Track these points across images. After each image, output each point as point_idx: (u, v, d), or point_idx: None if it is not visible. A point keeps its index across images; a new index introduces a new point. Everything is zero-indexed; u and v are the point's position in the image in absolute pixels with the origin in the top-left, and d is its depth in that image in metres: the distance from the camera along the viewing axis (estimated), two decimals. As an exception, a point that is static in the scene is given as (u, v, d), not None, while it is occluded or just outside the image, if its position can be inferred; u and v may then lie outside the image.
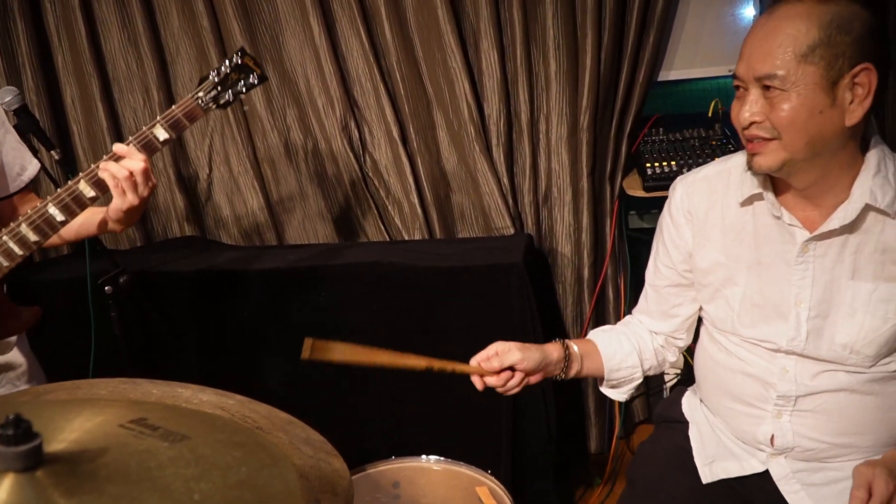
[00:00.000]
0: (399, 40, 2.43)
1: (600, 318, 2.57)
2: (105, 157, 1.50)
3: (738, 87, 1.27)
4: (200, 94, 1.57)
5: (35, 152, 1.86)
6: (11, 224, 1.44)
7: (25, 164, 1.71)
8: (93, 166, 1.49)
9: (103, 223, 1.55)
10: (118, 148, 1.46)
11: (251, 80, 1.62)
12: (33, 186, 1.78)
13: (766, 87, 1.19)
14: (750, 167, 1.28)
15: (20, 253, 1.44)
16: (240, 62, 1.60)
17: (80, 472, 0.69)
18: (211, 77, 1.59)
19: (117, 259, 2.01)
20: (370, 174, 2.61)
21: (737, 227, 1.37)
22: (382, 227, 2.61)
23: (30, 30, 2.56)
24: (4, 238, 1.41)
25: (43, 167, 1.83)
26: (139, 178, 1.43)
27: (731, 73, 2.38)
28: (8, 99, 1.86)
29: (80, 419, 0.79)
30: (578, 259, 2.53)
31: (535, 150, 2.48)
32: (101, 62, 2.61)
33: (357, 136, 2.57)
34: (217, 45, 2.53)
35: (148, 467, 0.71)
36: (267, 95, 2.58)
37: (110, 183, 1.43)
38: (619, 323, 1.68)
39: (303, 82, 2.56)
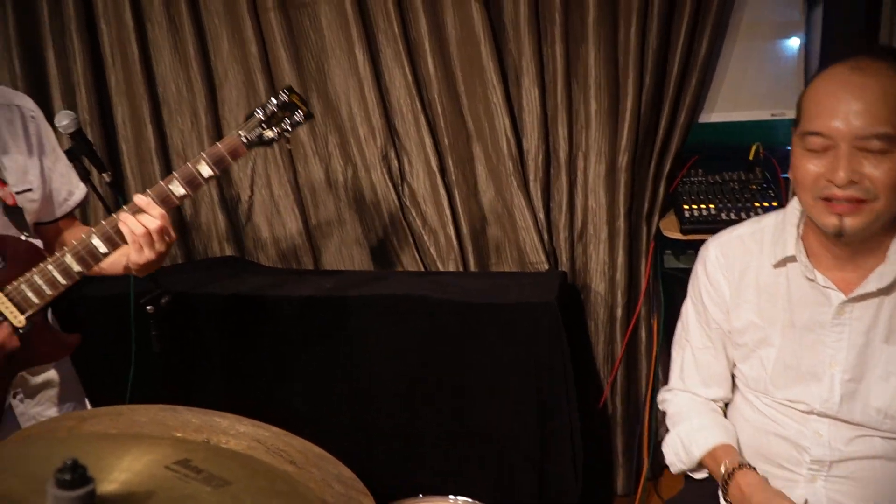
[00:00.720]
0: (441, 74, 2.47)
1: (632, 358, 2.56)
2: (125, 207, 1.48)
3: (809, 141, 1.21)
4: (244, 132, 1.57)
5: (86, 174, 1.92)
6: (56, 253, 1.45)
7: (73, 189, 1.72)
8: (113, 215, 1.48)
9: (127, 267, 1.54)
10: (138, 200, 1.45)
11: (297, 118, 1.62)
12: (77, 211, 1.81)
13: (862, 147, 1.15)
14: (838, 231, 1.21)
15: (63, 282, 1.44)
16: (286, 100, 1.60)
17: (129, 517, 0.71)
18: (256, 115, 1.59)
19: (159, 279, 2.06)
20: (408, 203, 2.64)
21: (771, 289, 1.36)
22: (417, 257, 2.63)
23: (86, 50, 2.65)
24: (49, 266, 1.43)
25: (94, 189, 1.89)
26: (155, 236, 1.42)
27: (774, 118, 2.40)
28: (65, 122, 1.94)
29: (129, 458, 0.82)
30: (612, 297, 2.52)
31: (572, 186, 2.49)
32: (153, 84, 2.69)
33: (396, 165, 2.61)
34: (264, 71, 2.59)
35: (192, 514, 0.74)
36: (310, 123, 2.62)
37: (128, 238, 1.43)
38: (687, 408, 1.57)
39: (345, 111, 2.61)
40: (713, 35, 2.27)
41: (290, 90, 1.63)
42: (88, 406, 1.75)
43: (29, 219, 1.51)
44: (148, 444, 0.88)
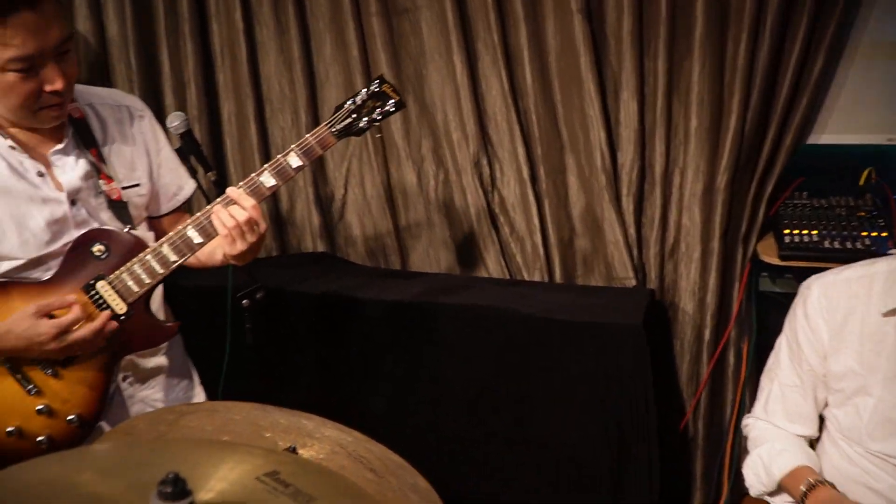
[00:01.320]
0: (538, 83, 2.45)
1: (717, 382, 2.49)
2: (219, 200, 1.55)
3: None
4: (333, 122, 1.61)
5: (193, 173, 2.02)
6: (156, 244, 1.53)
7: (182, 185, 1.82)
8: (207, 207, 1.55)
9: (224, 258, 1.61)
10: (230, 192, 1.51)
11: (388, 107, 1.62)
12: (187, 206, 1.91)
13: None
14: None
15: (160, 271, 1.51)
16: (377, 89, 1.62)
17: (222, 529, 0.75)
18: (346, 105, 1.62)
19: (255, 273, 2.15)
20: (497, 210, 2.64)
21: (876, 337, 1.30)
22: (504, 264, 2.64)
23: (197, 50, 2.78)
24: (148, 257, 1.50)
25: (199, 186, 1.99)
26: (245, 227, 1.47)
27: (890, 143, 2.27)
28: (176, 123, 2.03)
29: (224, 467, 0.86)
30: (701, 318, 2.46)
31: (666, 203, 2.44)
32: (258, 83, 2.79)
33: (488, 172, 2.61)
34: (364, 73, 2.65)
35: (280, 530, 0.77)
36: (405, 126, 2.67)
37: (219, 229, 1.49)
38: (771, 433, 1.55)
39: (440, 116, 2.64)
40: (829, 54, 2.16)
41: (382, 80, 1.64)
42: (199, 391, 1.83)
43: (136, 213, 1.60)
44: (242, 453, 0.92)
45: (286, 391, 2.33)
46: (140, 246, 1.52)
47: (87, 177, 1.50)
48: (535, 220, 2.54)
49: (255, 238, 1.49)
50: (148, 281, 1.50)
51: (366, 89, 1.61)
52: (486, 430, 2.14)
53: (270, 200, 2.85)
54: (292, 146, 1.59)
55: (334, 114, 1.61)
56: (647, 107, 2.38)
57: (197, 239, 1.53)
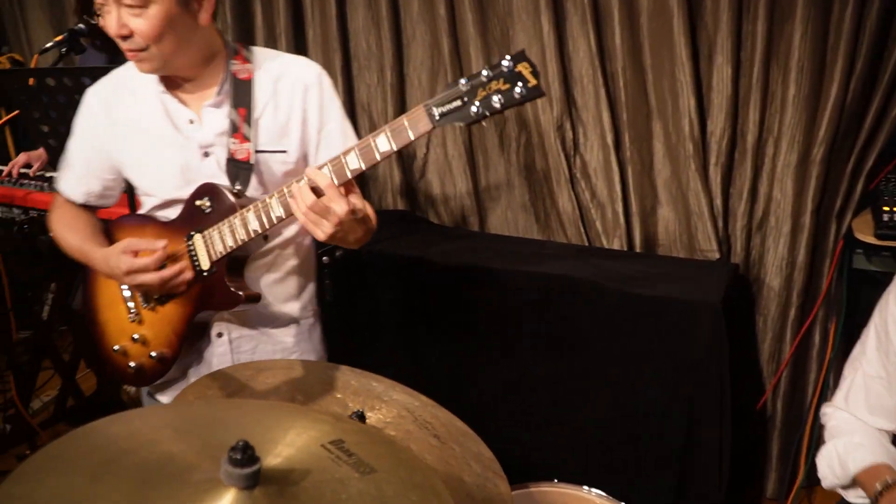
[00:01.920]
0: (628, 46, 2.37)
1: (800, 362, 2.41)
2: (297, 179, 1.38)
3: None
4: (435, 104, 1.26)
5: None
6: (241, 210, 1.47)
7: None
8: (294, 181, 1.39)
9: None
10: (308, 171, 1.34)
11: (517, 93, 1.21)
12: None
13: None
14: None
15: (243, 236, 1.44)
16: (509, 68, 1.20)
17: (286, 494, 0.81)
18: (460, 85, 1.23)
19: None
20: (578, 175, 2.60)
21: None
22: (583, 229, 2.61)
23: (289, 5, 2.82)
24: (236, 220, 1.46)
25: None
26: (318, 212, 1.30)
27: None
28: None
29: (292, 433, 0.91)
30: (787, 295, 2.37)
31: (756, 174, 2.34)
32: (346, 39, 2.82)
33: (571, 136, 2.57)
34: (450, 33, 2.63)
35: (339, 499, 0.82)
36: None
37: (296, 214, 1.35)
38: (850, 425, 1.49)
39: (525, 77, 2.59)
40: (947, 19, 2.00)
41: (520, 56, 1.21)
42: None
43: (273, 178, 1.53)
44: (310, 419, 0.97)
45: (364, 351, 2.41)
46: (234, 208, 1.53)
47: (222, 133, 1.50)
48: (618, 188, 2.49)
49: (331, 229, 1.30)
50: (230, 244, 1.47)
51: (489, 67, 1.22)
52: (551, 404, 2.15)
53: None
54: (384, 126, 1.32)
55: (443, 92, 1.25)
56: (743, 72, 2.27)
57: (277, 211, 1.41)
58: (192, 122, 1.52)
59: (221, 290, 1.52)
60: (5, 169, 2.58)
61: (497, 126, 2.68)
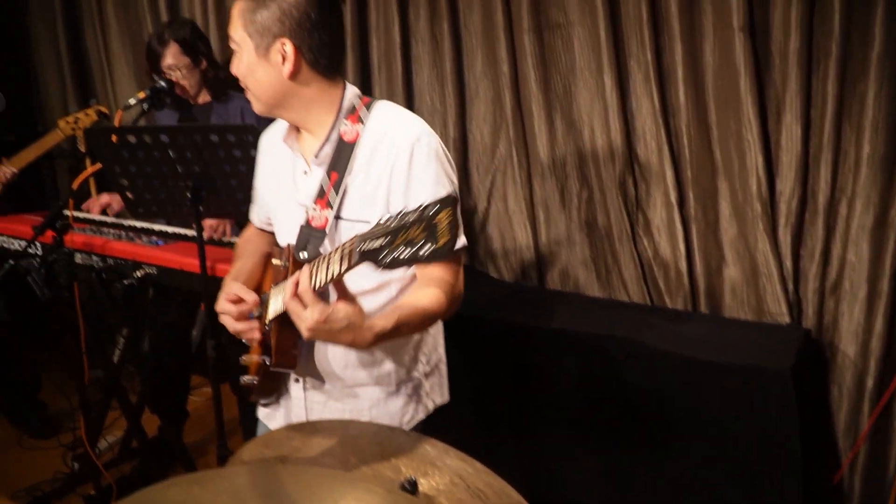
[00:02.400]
0: (692, 103, 2.35)
1: (880, 435, 2.26)
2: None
3: None
4: (366, 238, 1.09)
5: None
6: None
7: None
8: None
9: None
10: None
11: (424, 249, 1.03)
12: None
13: None
14: None
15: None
16: (430, 216, 1.03)
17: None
18: (389, 222, 1.07)
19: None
20: (641, 232, 2.56)
21: None
22: (645, 288, 2.55)
23: (357, 62, 2.91)
24: (287, 282, 1.34)
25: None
26: (292, 311, 1.24)
27: None
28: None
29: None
30: (863, 363, 2.24)
31: (829, 235, 2.25)
32: (411, 95, 2.89)
33: (633, 192, 2.54)
34: (512, 88, 2.66)
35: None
36: (551, 142, 2.65)
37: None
38: None
39: (587, 133, 2.59)
40: None
41: (446, 202, 1.03)
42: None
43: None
44: (361, 490, 0.97)
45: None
46: (281, 275, 1.48)
47: (310, 195, 1.48)
48: (682, 246, 2.44)
49: (305, 327, 1.22)
50: (279, 307, 1.37)
51: (418, 209, 1.04)
52: (613, 468, 2.08)
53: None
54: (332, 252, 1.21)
55: (375, 226, 1.09)
56: (813, 131, 2.21)
57: (321, 277, 1.24)
58: (305, 173, 1.51)
59: (278, 351, 1.50)
60: (85, 205, 2.72)
61: (558, 181, 2.68)
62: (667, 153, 2.41)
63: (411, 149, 1.36)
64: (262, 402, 1.66)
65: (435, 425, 1.58)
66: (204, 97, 2.71)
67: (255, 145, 1.75)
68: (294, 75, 1.37)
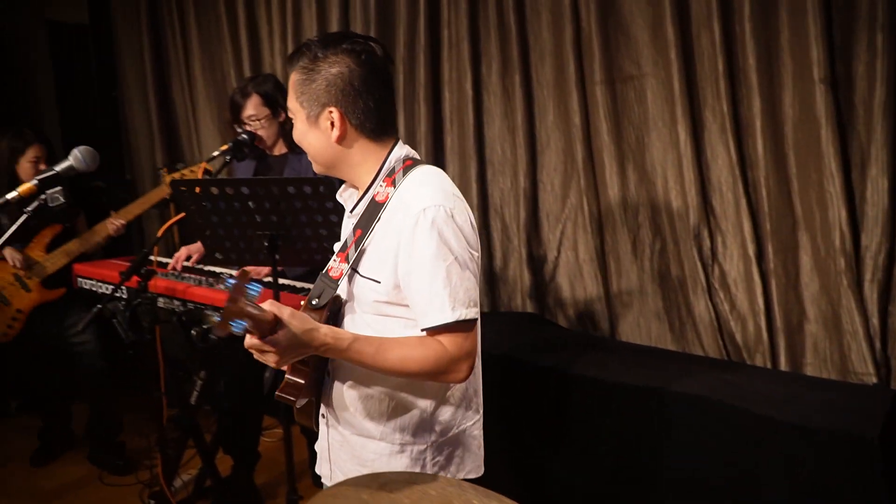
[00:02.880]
0: (771, 155, 2.30)
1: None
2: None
3: None
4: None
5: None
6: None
7: (423, 314, 1.55)
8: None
9: None
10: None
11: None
12: None
13: None
14: None
15: None
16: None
17: None
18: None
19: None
20: (716, 285, 2.50)
21: None
22: (721, 343, 2.48)
23: (429, 114, 2.98)
24: None
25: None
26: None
27: None
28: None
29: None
30: (960, 430, 2.11)
31: (920, 293, 2.14)
32: (482, 146, 2.92)
33: (709, 244, 2.49)
34: (584, 139, 2.67)
35: None
36: (623, 193, 2.63)
37: None
38: None
39: (661, 183, 2.57)
40: None
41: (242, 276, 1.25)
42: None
43: (361, 307, 1.52)
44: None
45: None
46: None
47: (337, 247, 1.59)
48: (760, 300, 2.37)
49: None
50: None
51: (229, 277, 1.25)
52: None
53: (485, 257, 2.95)
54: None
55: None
56: (901, 184, 2.13)
57: None
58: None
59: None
60: (170, 262, 2.84)
61: (630, 232, 2.65)
62: (744, 205, 2.36)
63: (417, 218, 1.40)
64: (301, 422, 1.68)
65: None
66: (280, 148, 2.80)
67: (330, 197, 1.79)
68: (342, 139, 1.45)
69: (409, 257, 1.41)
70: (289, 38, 3.33)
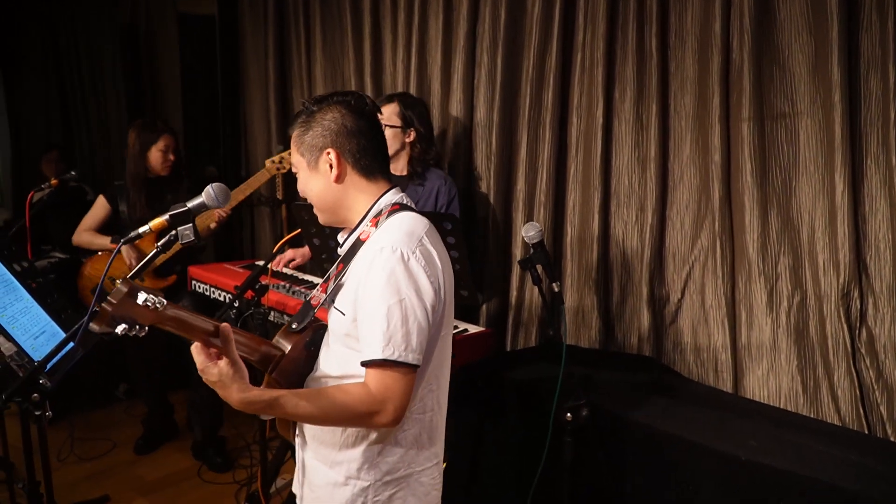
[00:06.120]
0: (944, 215, 2.06)
1: None
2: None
3: None
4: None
5: (538, 280, 2.06)
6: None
7: (365, 347, 1.57)
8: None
9: None
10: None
11: None
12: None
13: None
14: None
15: None
16: None
17: None
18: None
19: (581, 390, 2.11)
20: (862, 350, 2.27)
21: None
22: (862, 413, 2.25)
23: (554, 140, 2.85)
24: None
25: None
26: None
27: None
28: (531, 233, 2.10)
29: None
30: None
31: None
32: (608, 176, 2.77)
33: (858, 305, 2.26)
34: (723, 178, 2.48)
35: None
36: (762, 238, 2.43)
37: None
38: None
39: (806, 233, 2.35)
40: None
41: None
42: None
43: (339, 335, 1.54)
44: None
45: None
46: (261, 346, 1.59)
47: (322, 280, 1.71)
48: (914, 372, 2.13)
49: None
50: None
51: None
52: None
53: (601, 293, 2.81)
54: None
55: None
56: None
57: None
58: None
59: None
60: (272, 263, 2.86)
61: (767, 281, 2.44)
62: (905, 267, 2.13)
63: (375, 255, 1.46)
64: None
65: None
66: (400, 169, 2.75)
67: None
68: (340, 178, 1.54)
69: (364, 292, 1.47)
70: (413, 50, 3.27)
